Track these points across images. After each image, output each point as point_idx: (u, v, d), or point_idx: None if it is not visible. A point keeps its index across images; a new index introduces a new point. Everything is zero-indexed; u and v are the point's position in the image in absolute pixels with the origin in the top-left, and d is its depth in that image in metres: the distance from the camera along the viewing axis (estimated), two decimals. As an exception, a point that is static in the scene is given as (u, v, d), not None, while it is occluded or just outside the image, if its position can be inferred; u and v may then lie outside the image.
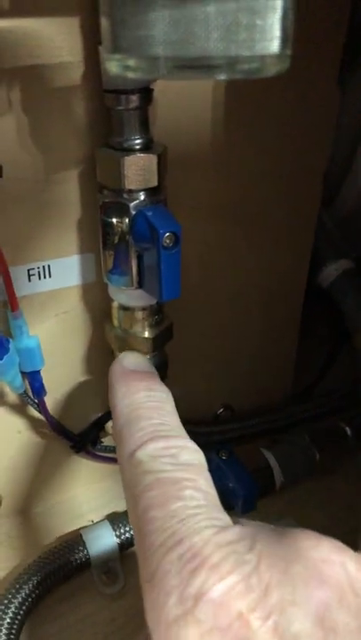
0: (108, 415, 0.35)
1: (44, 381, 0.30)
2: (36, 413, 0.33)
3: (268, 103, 0.30)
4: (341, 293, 0.42)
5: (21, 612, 0.29)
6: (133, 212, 0.26)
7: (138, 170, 0.25)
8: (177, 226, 0.25)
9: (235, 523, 0.19)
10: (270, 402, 0.42)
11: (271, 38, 0.14)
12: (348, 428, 0.40)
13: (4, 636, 0.28)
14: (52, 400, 0.32)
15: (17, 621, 0.29)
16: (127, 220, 0.26)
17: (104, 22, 0.15)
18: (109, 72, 0.16)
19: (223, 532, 0.18)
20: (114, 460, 0.37)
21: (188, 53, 0.14)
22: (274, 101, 0.30)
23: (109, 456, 0.37)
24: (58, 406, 0.33)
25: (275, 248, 0.36)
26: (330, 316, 0.44)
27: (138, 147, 0.25)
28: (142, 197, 0.26)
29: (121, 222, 0.26)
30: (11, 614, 0.29)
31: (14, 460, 0.34)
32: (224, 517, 0.19)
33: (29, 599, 0.30)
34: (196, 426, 0.38)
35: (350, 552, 0.17)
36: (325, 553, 0.17)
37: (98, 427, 0.35)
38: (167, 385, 0.25)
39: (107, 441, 0.37)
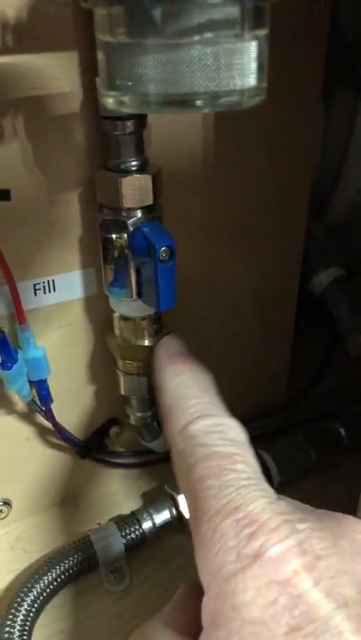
0: (111, 422, 0.37)
1: (50, 390, 0.32)
2: (43, 421, 0.34)
3: (255, 123, 0.32)
4: (333, 300, 0.44)
5: (33, 611, 0.31)
6: (131, 229, 0.28)
7: (134, 189, 0.27)
8: (172, 241, 0.27)
9: (280, 499, 0.20)
10: (266, 406, 0.44)
11: (248, 74, 0.16)
12: (342, 429, 0.41)
13: (17, 635, 0.30)
14: (58, 407, 0.33)
15: (29, 619, 0.30)
16: (125, 236, 0.28)
17: (101, 62, 0.17)
18: (106, 107, 0.18)
19: (276, 502, 0.19)
20: (118, 465, 0.39)
21: (175, 90, 0.16)
22: (261, 121, 0.32)
23: (114, 461, 0.38)
24: (64, 413, 0.35)
25: (266, 259, 0.38)
26: (323, 321, 0.46)
27: (134, 168, 0.27)
28: (139, 215, 0.28)
29: (120, 238, 0.28)
30: (24, 611, 0.30)
31: (23, 466, 0.36)
32: (271, 490, 0.20)
33: (41, 597, 0.31)
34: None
35: None
36: None
37: (102, 433, 0.37)
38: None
39: (111, 447, 0.38)
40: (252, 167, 0.33)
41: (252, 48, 0.16)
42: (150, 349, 0.31)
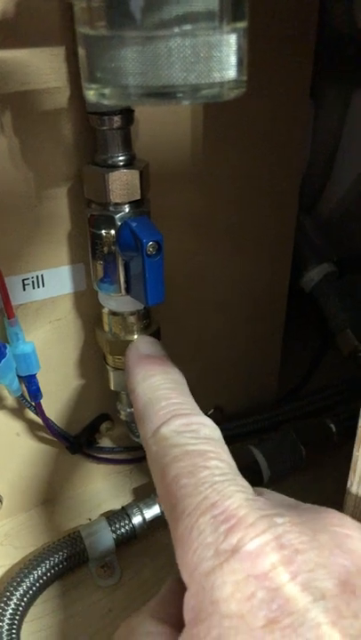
0: (102, 417, 0.37)
1: (40, 385, 0.32)
2: (33, 416, 0.34)
3: (242, 118, 0.32)
4: (324, 296, 0.44)
5: (22, 605, 0.31)
6: (119, 224, 0.28)
7: (122, 184, 0.27)
8: (159, 235, 0.27)
9: (258, 493, 0.21)
10: (258, 402, 0.44)
11: (228, 67, 0.16)
12: (333, 425, 0.42)
13: (5, 629, 0.30)
14: (48, 403, 0.33)
15: (18, 614, 0.30)
16: (113, 232, 0.28)
17: (81, 56, 0.17)
18: (87, 99, 0.18)
19: (253, 497, 0.19)
20: (109, 461, 0.39)
21: (154, 83, 0.16)
22: (248, 116, 0.32)
23: (105, 457, 0.39)
24: (54, 409, 0.35)
25: (256, 255, 0.38)
26: (315, 318, 0.46)
27: (121, 163, 0.27)
28: (127, 210, 0.28)
29: (108, 234, 0.28)
30: (13, 605, 0.30)
31: (14, 462, 0.36)
32: (247, 485, 0.20)
33: (30, 592, 0.31)
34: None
35: None
36: (349, 529, 0.19)
37: (93, 428, 0.37)
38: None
39: (102, 442, 0.38)
40: (241, 163, 0.34)
41: (231, 40, 0.16)
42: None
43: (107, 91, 0.17)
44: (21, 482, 0.37)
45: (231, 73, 0.16)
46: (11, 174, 0.27)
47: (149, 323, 0.32)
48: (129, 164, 0.27)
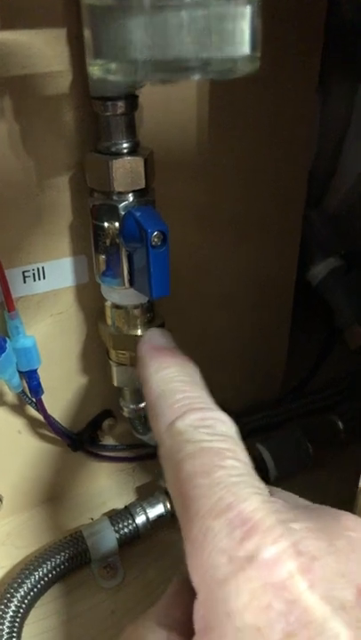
0: (105, 414, 0.36)
1: (41, 381, 0.31)
2: (35, 413, 0.34)
3: (248, 108, 0.31)
4: (330, 291, 0.43)
5: (23, 607, 0.30)
6: (123, 213, 0.27)
7: (125, 172, 0.26)
8: (164, 225, 0.26)
9: (271, 493, 0.20)
10: (263, 398, 0.43)
11: (241, 42, 0.15)
12: (340, 422, 0.41)
13: (6, 631, 0.29)
14: (49, 399, 0.33)
15: (19, 615, 0.30)
16: (117, 224, 0.27)
17: (86, 31, 0.16)
18: (92, 76, 0.17)
19: (270, 500, 0.18)
20: (112, 459, 0.38)
21: (163, 56, 0.15)
22: (254, 106, 0.31)
23: (107, 455, 0.38)
24: (56, 405, 0.34)
25: (262, 248, 0.37)
26: (321, 312, 0.45)
27: (125, 150, 0.26)
28: (131, 199, 0.27)
29: (111, 225, 0.27)
30: (13, 607, 0.29)
31: (15, 461, 0.35)
32: (263, 487, 0.19)
33: (31, 593, 0.31)
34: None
35: None
36: None
37: (95, 425, 0.36)
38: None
39: (105, 440, 0.38)
40: (247, 154, 0.33)
41: (245, 13, 0.15)
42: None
43: (113, 66, 0.16)
44: (23, 480, 0.36)
45: (245, 47, 0.15)
46: (11, 162, 0.26)
47: (153, 316, 0.31)
48: (133, 152, 0.26)
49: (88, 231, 0.28)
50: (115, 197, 0.27)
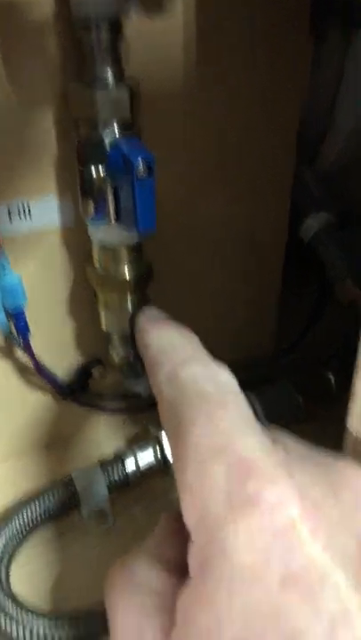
0: (95, 362, 0.36)
1: (29, 324, 0.31)
2: (24, 361, 0.33)
3: (238, 47, 0.31)
4: (323, 245, 0.42)
5: (10, 547, 0.30)
6: (108, 145, 0.26)
7: (110, 102, 0.26)
8: (150, 155, 0.26)
9: (275, 440, 0.19)
10: (255, 355, 0.43)
11: None
12: (331, 376, 0.41)
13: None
14: (37, 346, 0.32)
15: (6, 557, 0.30)
16: (102, 156, 0.27)
17: None
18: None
19: (272, 447, 0.18)
20: (103, 409, 0.38)
21: None
22: (244, 46, 0.31)
23: (98, 404, 0.38)
24: (44, 351, 0.33)
25: (252, 196, 0.36)
26: (314, 271, 0.44)
27: (110, 80, 0.26)
28: (116, 130, 0.26)
29: (98, 171, 0.27)
30: (1, 546, 0.29)
31: (3, 408, 0.35)
32: (266, 435, 0.19)
33: (20, 535, 0.31)
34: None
35: None
36: None
37: (85, 373, 0.36)
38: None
39: (95, 390, 0.37)
40: (235, 94, 0.32)
41: None
42: (132, 280, 0.30)
43: None
44: (12, 428, 0.36)
45: None
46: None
47: (140, 257, 0.31)
48: (118, 81, 0.26)
49: (73, 168, 0.28)
50: (100, 129, 0.26)
